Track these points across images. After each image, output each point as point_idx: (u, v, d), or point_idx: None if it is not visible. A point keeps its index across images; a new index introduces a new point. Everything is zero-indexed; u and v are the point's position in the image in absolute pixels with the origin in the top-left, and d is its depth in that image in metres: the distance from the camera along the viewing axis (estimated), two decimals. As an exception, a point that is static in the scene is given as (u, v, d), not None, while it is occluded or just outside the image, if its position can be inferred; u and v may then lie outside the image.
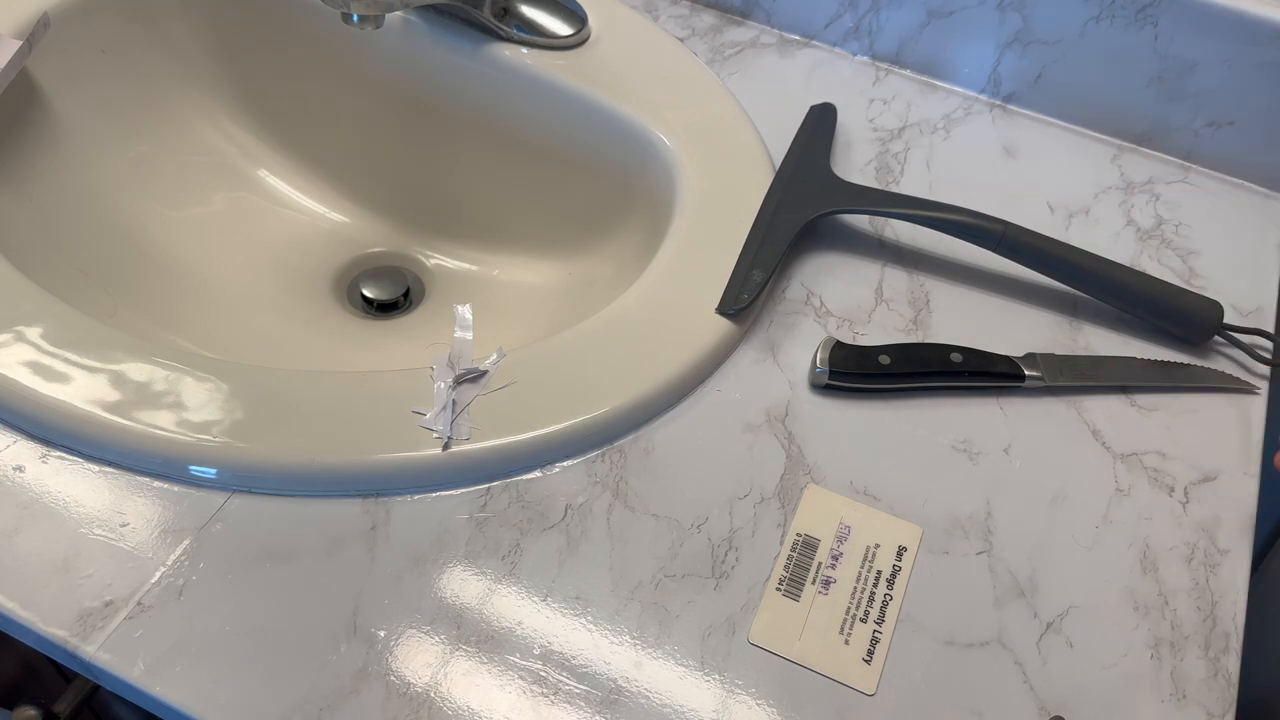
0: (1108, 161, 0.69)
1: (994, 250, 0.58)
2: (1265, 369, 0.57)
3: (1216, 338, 0.58)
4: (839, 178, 0.62)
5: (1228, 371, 0.57)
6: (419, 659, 0.43)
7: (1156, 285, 0.58)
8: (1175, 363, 0.57)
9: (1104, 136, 0.70)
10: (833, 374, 0.53)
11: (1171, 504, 0.51)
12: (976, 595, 0.47)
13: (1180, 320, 0.57)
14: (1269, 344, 0.58)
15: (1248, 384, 0.56)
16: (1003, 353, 0.55)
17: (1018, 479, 0.52)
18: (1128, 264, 0.62)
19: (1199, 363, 0.57)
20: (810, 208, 0.59)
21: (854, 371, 0.53)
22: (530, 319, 0.66)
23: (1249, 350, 0.57)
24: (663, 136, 0.63)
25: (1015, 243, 0.58)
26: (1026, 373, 0.54)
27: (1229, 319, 0.60)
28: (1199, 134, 0.67)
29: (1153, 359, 0.57)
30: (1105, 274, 0.58)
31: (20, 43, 0.60)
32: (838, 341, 0.54)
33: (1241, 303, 0.61)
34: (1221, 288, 0.61)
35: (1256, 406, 0.56)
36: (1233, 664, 0.46)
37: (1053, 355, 0.56)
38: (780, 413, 0.53)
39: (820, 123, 0.66)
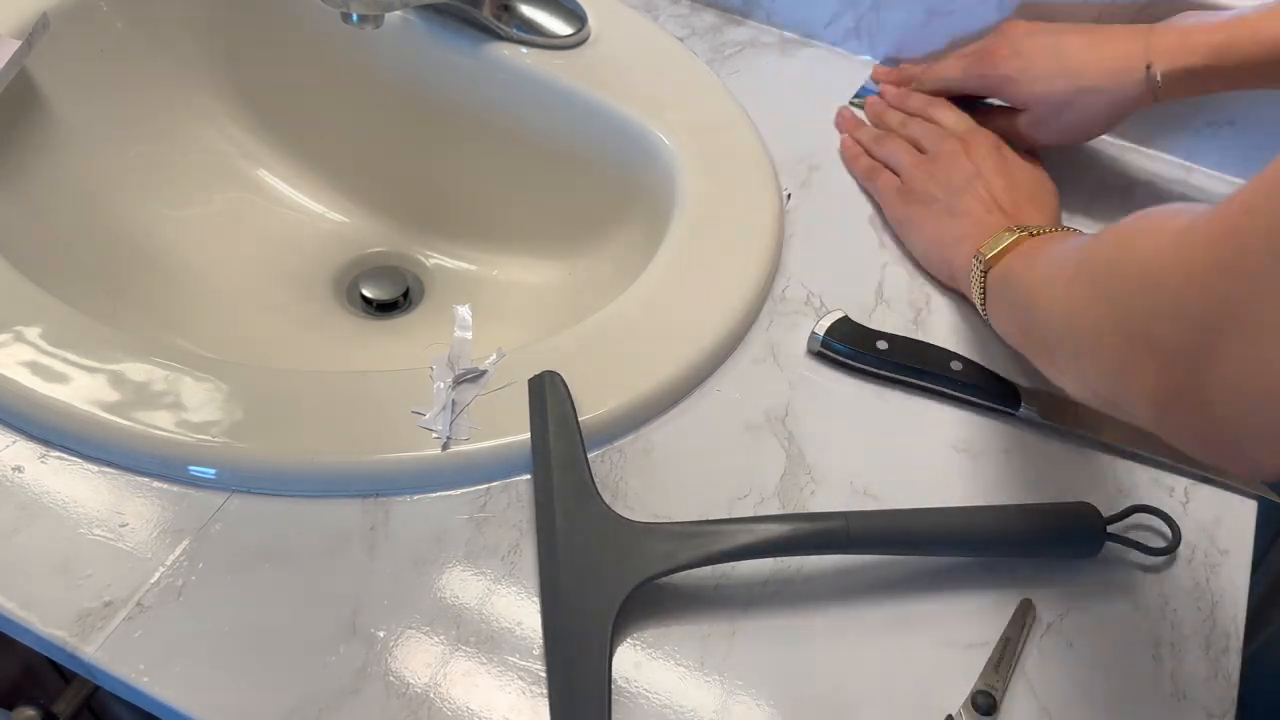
0: (1108, 161, 0.69)
1: (843, 552, 0.46)
2: (1158, 559, 0.49)
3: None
4: (618, 515, 0.45)
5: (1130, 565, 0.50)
6: (418, 659, 0.43)
7: (1029, 516, 0.48)
8: None
9: (1104, 136, 0.70)
10: (828, 344, 0.54)
11: (1172, 504, 0.51)
12: (979, 595, 0.47)
13: (1065, 541, 0.48)
14: (1156, 520, 0.50)
15: (1270, 491, 0.52)
16: (1004, 375, 0.54)
17: (1019, 479, 0.51)
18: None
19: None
20: (604, 595, 0.43)
21: (850, 347, 0.54)
22: (530, 319, 0.66)
23: (1137, 545, 0.49)
24: (663, 136, 0.63)
25: (861, 536, 0.45)
26: (1023, 403, 0.53)
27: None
28: (1199, 134, 0.67)
29: None
30: (968, 528, 0.47)
31: (20, 43, 0.60)
32: (845, 316, 0.55)
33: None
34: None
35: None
36: (1233, 664, 0.46)
37: (1062, 398, 0.53)
38: (780, 413, 0.53)
39: (555, 413, 0.48)
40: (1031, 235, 0.52)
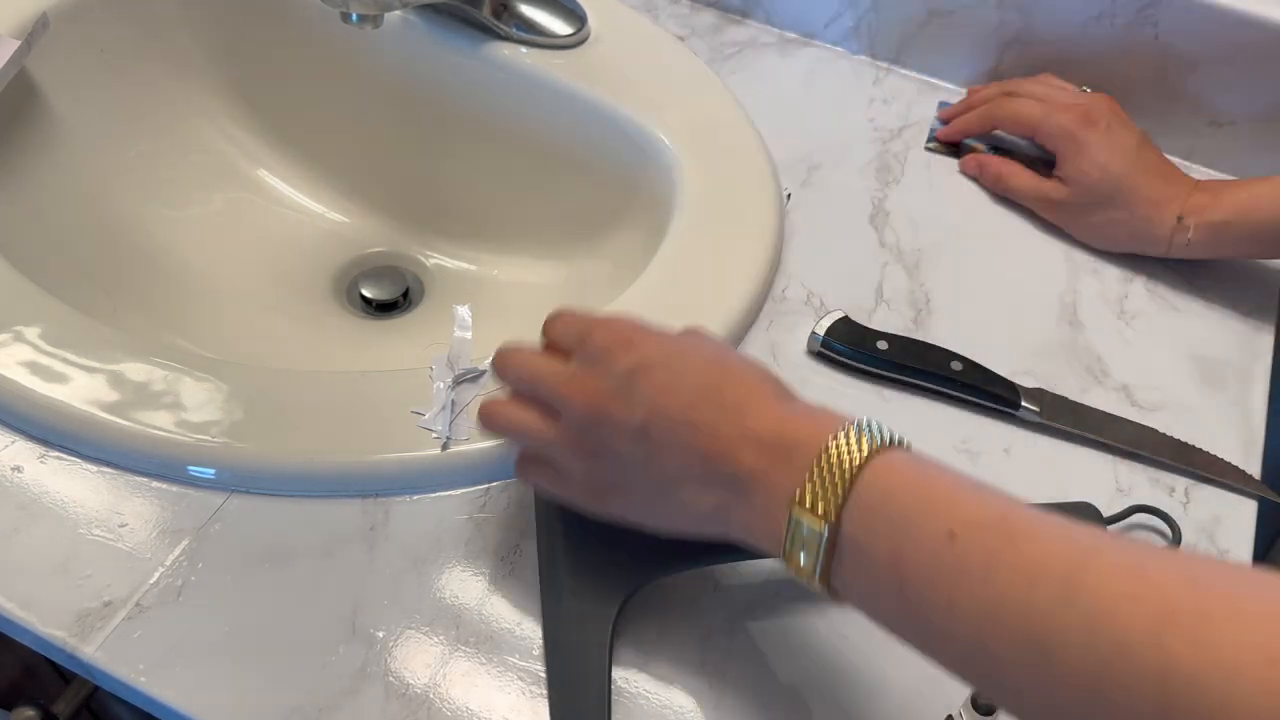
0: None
1: None
2: None
3: None
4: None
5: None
6: (418, 659, 0.43)
7: None
8: (1196, 447, 0.53)
9: (1104, 136, 0.70)
10: (828, 344, 0.54)
11: (1172, 504, 0.51)
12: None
13: None
14: (1156, 520, 0.50)
15: (1270, 491, 0.52)
16: (1005, 374, 0.54)
17: (1019, 479, 0.51)
18: (1128, 265, 0.62)
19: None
20: (604, 595, 0.43)
21: (850, 347, 0.54)
22: (530, 319, 0.66)
23: None
24: (663, 136, 0.63)
25: None
26: (1023, 403, 0.53)
27: (1227, 320, 0.60)
28: (1199, 134, 0.67)
29: (1174, 437, 0.53)
30: None
31: (19, 43, 0.59)
32: (845, 316, 0.55)
33: (1241, 304, 0.61)
34: (1221, 288, 0.61)
35: (1257, 406, 0.56)
36: (1233, 664, 0.46)
37: (1062, 398, 0.54)
38: (780, 413, 0.52)
39: None
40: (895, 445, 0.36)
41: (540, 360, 0.43)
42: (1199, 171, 0.68)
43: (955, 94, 0.71)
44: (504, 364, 0.44)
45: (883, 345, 0.54)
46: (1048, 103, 0.63)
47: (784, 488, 0.34)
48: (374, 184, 0.74)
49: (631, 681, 0.43)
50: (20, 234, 0.59)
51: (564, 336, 0.43)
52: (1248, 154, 0.67)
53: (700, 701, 0.43)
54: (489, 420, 0.43)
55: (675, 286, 0.56)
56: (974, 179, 0.66)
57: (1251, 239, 0.58)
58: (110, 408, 0.47)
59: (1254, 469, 0.53)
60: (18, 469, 0.47)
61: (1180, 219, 0.58)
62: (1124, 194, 0.59)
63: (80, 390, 0.48)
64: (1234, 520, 0.51)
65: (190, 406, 0.48)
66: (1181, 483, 0.52)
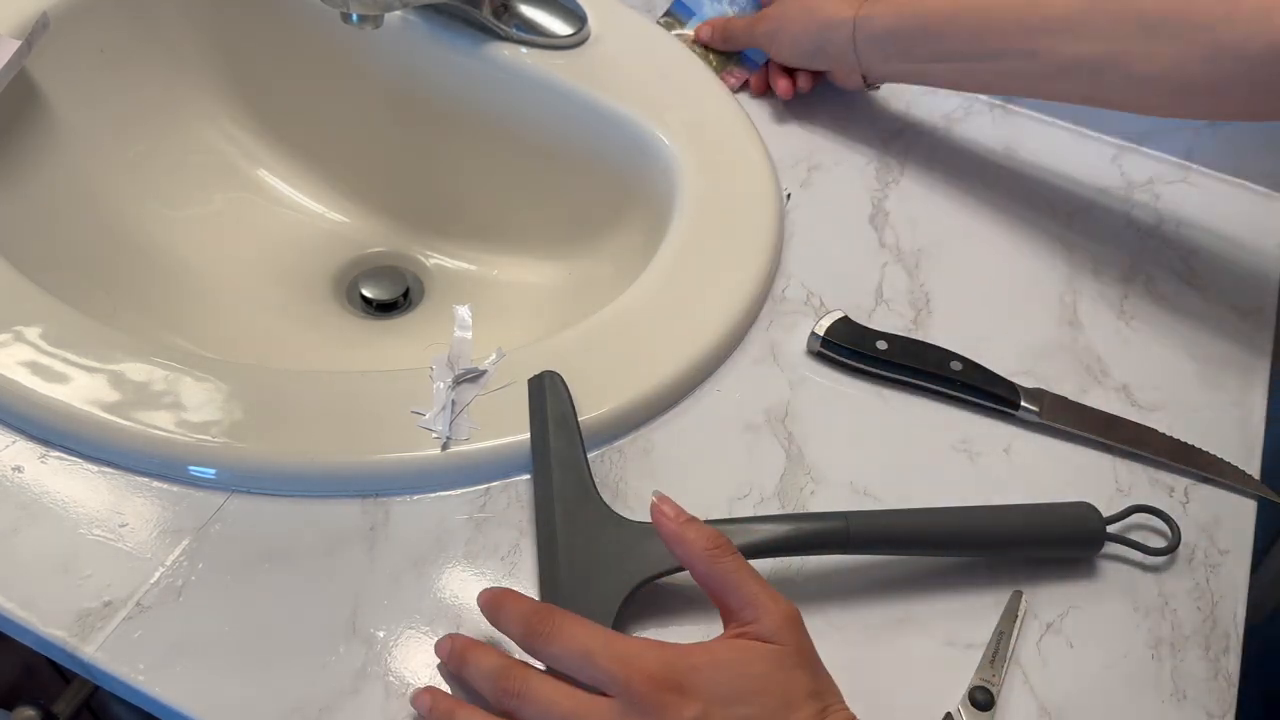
0: (1108, 161, 0.69)
1: (842, 551, 0.45)
2: (1158, 559, 0.49)
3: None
4: (618, 515, 0.45)
5: (1129, 562, 0.49)
6: (418, 659, 0.43)
7: (1029, 516, 0.48)
8: (1196, 447, 0.53)
9: (1104, 136, 0.70)
10: (827, 344, 0.54)
11: (1172, 504, 0.51)
12: (978, 594, 0.47)
13: (1065, 541, 0.48)
14: (1156, 520, 0.50)
15: (1270, 491, 0.52)
16: (1004, 374, 0.54)
17: (1018, 479, 0.51)
18: (1128, 265, 0.62)
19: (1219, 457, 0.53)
20: (604, 595, 0.43)
21: (849, 347, 0.54)
22: (530, 319, 0.66)
23: (1137, 545, 0.49)
24: (663, 136, 0.63)
25: (861, 535, 0.45)
26: (1023, 403, 0.53)
27: (1227, 319, 0.60)
28: (1199, 134, 0.67)
29: (1174, 437, 0.53)
30: (968, 528, 0.47)
31: (19, 43, 0.59)
32: (845, 316, 0.55)
33: (1241, 303, 0.61)
34: (1221, 288, 0.61)
35: (1257, 406, 0.56)
36: (1233, 664, 0.46)
37: (1061, 398, 0.54)
38: (780, 413, 0.53)
39: (554, 413, 0.48)
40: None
41: (563, 695, 0.38)
42: (1198, 172, 0.68)
43: (956, 93, 0.71)
44: (516, 691, 0.39)
45: (882, 345, 0.54)
46: None
47: None
48: (374, 184, 0.74)
49: (631, 681, 0.43)
50: (20, 234, 0.59)
51: (529, 638, 0.39)
52: (1248, 154, 0.67)
53: (700, 701, 0.43)
54: None
55: (675, 286, 0.56)
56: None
57: (918, 40, 0.61)
58: (111, 408, 0.47)
59: (1254, 469, 0.53)
60: (18, 469, 0.47)
61: (855, 17, 0.62)
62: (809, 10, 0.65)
63: (81, 390, 0.48)
64: (1234, 520, 0.51)
65: (190, 406, 0.48)
66: (1181, 483, 0.52)
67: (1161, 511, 0.50)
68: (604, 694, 0.37)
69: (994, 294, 0.60)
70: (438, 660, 0.42)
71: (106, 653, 0.42)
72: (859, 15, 0.62)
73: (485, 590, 0.42)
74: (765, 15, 0.68)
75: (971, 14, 0.57)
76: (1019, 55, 0.56)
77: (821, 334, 0.54)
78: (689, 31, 0.71)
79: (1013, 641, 0.45)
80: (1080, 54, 0.54)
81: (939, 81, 0.65)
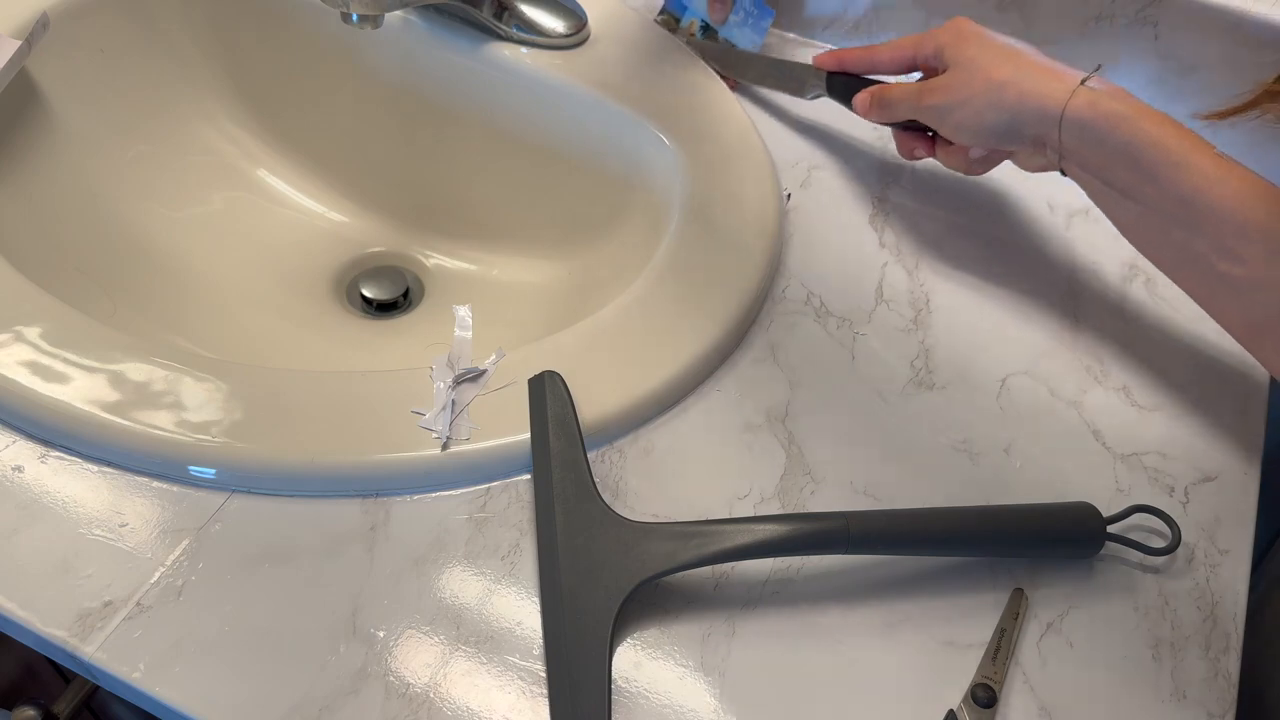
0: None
1: (842, 551, 0.45)
2: (1158, 559, 0.49)
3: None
4: (618, 515, 0.45)
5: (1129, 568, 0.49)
6: (418, 659, 0.43)
7: (1029, 516, 0.48)
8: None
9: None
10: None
11: (1172, 504, 0.51)
12: (977, 594, 0.47)
13: (1065, 541, 0.48)
14: (1156, 520, 0.50)
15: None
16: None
17: (1018, 479, 0.51)
18: (1128, 265, 0.62)
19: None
20: (604, 595, 0.43)
21: None
22: (530, 319, 0.66)
23: (1137, 545, 0.49)
24: (663, 136, 0.63)
25: (861, 535, 0.45)
26: None
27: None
28: (1199, 133, 0.67)
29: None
30: (968, 528, 0.47)
31: (20, 43, 0.60)
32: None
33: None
34: (1222, 288, 0.61)
35: (1257, 406, 0.56)
36: (1233, 664, 0.46)
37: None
38: (780, 413, 0.53)
39: (554, 413, 0.48)
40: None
41: None
42: (1199, 171, 0.68)
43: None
44: None
45: None
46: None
47: None
48: (374, 184, 0.74)
49: (631, 681, 0.43)
50: (20, 234, 0.59)
51: None
52: (1248, 155, 0.67)
53: (700, 701, 0.43)
54: None
55: (675, 286, 0.56)
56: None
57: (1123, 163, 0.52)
58: (111, 407, 0.47)
59: (1254, 469, 0.53)
60: (18, 469, 0.47)
61: (1084, 80, 0.51)
62: (1013, 83, 0.53)
63: (81, 390, 0.48)
64: (1234, 520, 0.51)
65: (190, 406, 0.48)
66: (1181, 482, 0.52)
67: (1161, 511, 0.50)
68: None
69: (994, 294, 0.60)
70: (437, 660, 0.42)
71: (106, 653, 0.42)
72: (1088, 85, 0.51)
73: None
74: (934, 87, 0.56)
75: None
76: (1214, 249, 0.50)
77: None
78: (685, 28, 0.71)
79: (1014, 639, 0.45)
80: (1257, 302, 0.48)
81: (1107, 205, 0.54)
